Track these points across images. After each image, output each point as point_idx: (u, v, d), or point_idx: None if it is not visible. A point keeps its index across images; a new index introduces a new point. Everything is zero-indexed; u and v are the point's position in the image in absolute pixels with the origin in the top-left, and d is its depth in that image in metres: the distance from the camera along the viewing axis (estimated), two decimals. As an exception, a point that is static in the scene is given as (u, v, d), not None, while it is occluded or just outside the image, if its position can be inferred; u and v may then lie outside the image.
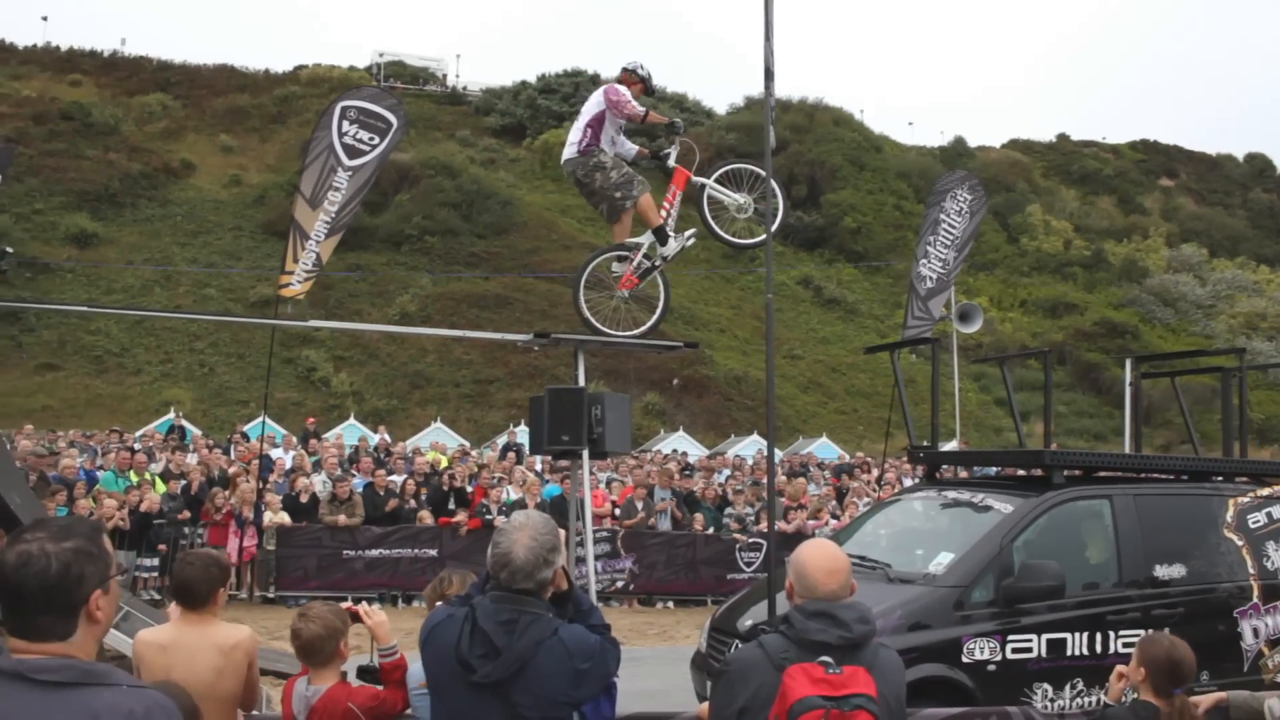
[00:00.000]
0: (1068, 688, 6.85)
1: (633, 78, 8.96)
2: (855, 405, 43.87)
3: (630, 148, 9.31)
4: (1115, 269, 59.01)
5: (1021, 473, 9.79)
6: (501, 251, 46.40)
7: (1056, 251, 59.51)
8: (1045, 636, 6.80)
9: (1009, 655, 6.67)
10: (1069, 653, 6.87)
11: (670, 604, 15.71)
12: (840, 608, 3.30)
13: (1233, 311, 54.86)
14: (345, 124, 12.48)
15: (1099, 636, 6.98)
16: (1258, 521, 7.95)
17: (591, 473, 9.35)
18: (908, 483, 20.16)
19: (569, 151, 8.91)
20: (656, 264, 9.12)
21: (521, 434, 24.98)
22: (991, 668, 6.57)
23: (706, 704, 3.69)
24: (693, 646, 11.44)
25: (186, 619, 4.32)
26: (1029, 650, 6.73)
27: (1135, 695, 4.38)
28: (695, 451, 29.46)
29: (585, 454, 8.38)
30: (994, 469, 16.90)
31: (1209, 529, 7.74)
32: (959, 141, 70.15)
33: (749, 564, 15.74)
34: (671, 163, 9.10)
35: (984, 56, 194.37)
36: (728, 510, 16.42)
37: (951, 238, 14.97)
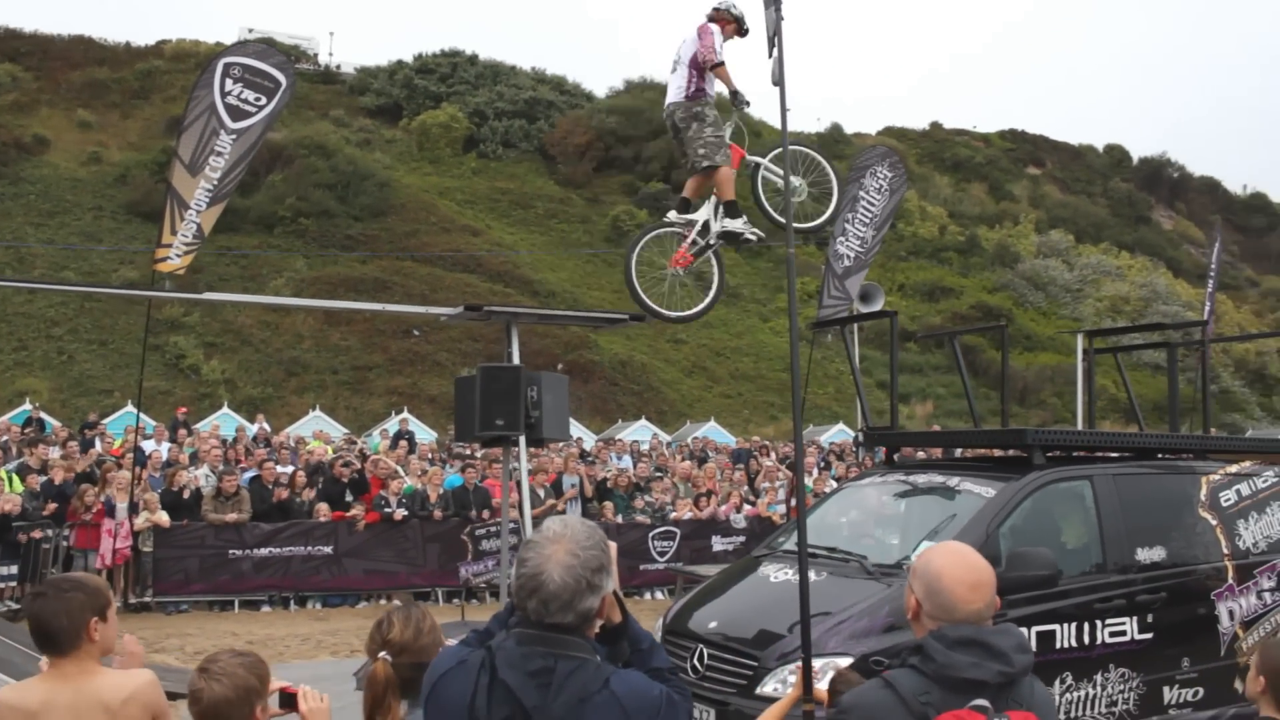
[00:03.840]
0: (1057, 683, 6.38)
1: (726, 16, 8.17)
2: (740, 389, 43.63)
3: None
4: (988, 254, 60.08)
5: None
6: (379, 234, 44.86)
7: (932, 237, 60.31)
8: (1034, 629, 6.30)
9: (1000, 652, 6.14)
10: (1058, 645, 6.39)
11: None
12: (993, 634, 2.58)
13: (1099, 295, 56.38)
14: (229, 83, 11.33)
15: (1085, 627, 6.52)
16: (1229, 499, 7.64)
17: (515, 463, 8.47)
18: (815, 467, 19.82)
19: (674, 95, 8.23)
20: (712, 243, 8.58)
21: (413, 421, 24.01)
22: (984, 666, 6.04)
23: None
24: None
25: (58, 670, 3.32)
26: (1019, 645, 6.21)
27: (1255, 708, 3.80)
28: (586, 437, 28.80)
29: (522, 440, 7.55)
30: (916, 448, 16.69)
31: (1185, 509, 7.39)
32: (836, 128, 70.53)
33: (662, 554, 15.13)
34: (728, 137, 8.47)
35: (857, 44, 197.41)
36: (645, 499, 15.76)
37: (870, 215, 14.53)
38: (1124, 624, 6.71)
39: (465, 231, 47.57)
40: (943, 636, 2.56)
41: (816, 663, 5.28)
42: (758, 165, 8.53)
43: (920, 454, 15.99)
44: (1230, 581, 7.30)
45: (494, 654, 2.47)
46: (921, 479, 7.43)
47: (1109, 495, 6.97)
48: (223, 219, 12.49)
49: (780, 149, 8.24)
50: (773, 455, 21.90)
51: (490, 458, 16.21)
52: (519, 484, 8.25)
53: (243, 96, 11.54)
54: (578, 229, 53.43)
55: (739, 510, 15.90)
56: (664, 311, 8.56)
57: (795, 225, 7.78)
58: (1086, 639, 6.52)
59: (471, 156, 55.88)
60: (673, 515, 15.54)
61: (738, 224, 8.48)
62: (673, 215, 8.67)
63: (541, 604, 2.43)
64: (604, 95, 64.20)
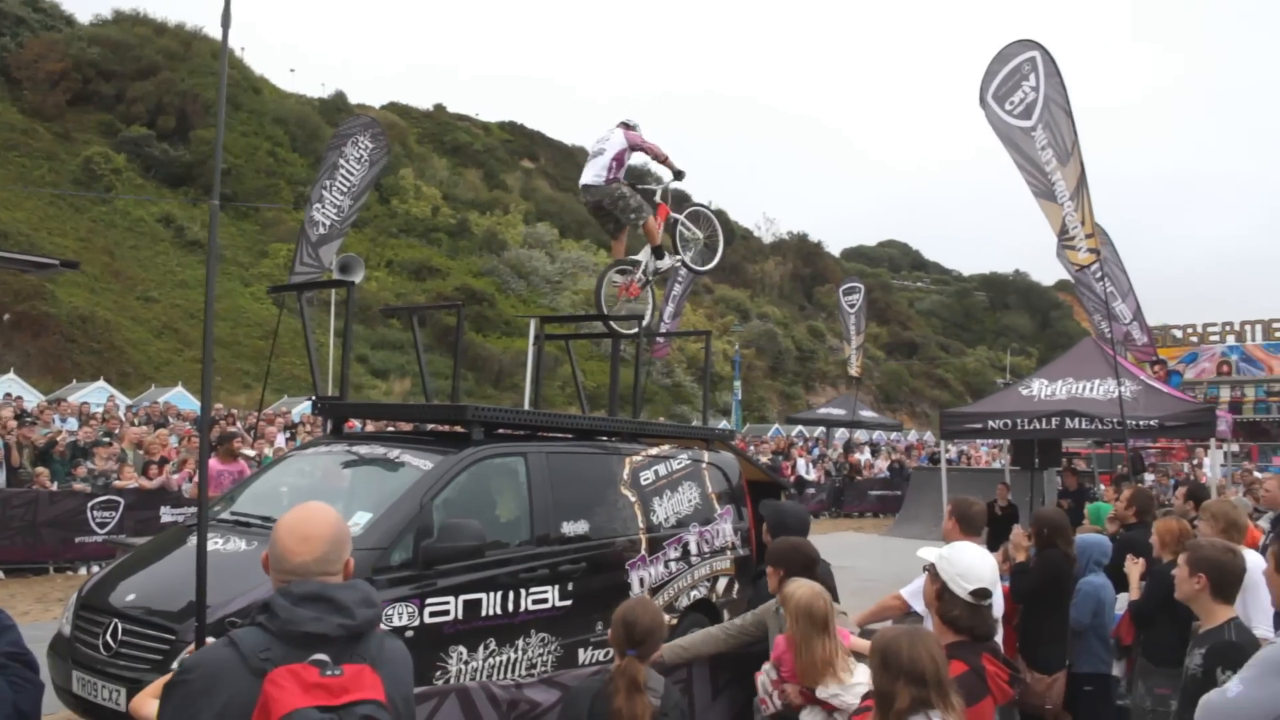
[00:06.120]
0: (481, 649, 6.67)
1: (631, 125, 10.41)
2: (214, 354, 41.51)
3: None
4: (477, 239, 61.70)
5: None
6: None
7: (425, 216, 60.92)
8: (462, 598, 6.55)
9: (427, 620, 6.33)
10: (483, 613, 6.68)
11: (1, 575, 13.51)
12: (338, 589, 2.62)
13: (576, 288, 59.88)
14: None
15: (511, 595, 6.89)
16: (648, 479, 8.42)
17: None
18: (280, 436, 19.35)
19: (594, 179, 10.20)
20: (650, 277, 10.78)
21: None
22: (410, 634, 6.17)
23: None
24: (45, 625, 9.83)
25: None
26: (446, 613, 6.44)
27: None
28: (30, 397, 26.02)
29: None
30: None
31: (609, 486, 8.04)
32: (340, 96, 69.14)
33: (102, 525, 14.02)
34: (658, 199, 10.77)
35: (366, 19, 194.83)
36: (87, 465, 14.49)
37: (349, 184, 14.36)
38: (547, 592, 7.17)
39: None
40: (288, 593, 2.58)
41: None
42: (676, 220, 11.00)
43: (390, 427, 16.08)
44: (643, 553, 8.06)
45: None
46: (365, 450, 7.48)
47: (540, 471, 7.43)
48: None
49: (689, 209, 11.37)
50: (239, 423, 21.06)
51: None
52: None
53: None
54: (42, 165, 48.01)
55: (192, 480, 15.12)
56: (624, 333, 10.49)
57: (695, 266, 11.52)
58: (511, 606, 6.89)
59: (-89, 67, 48.59)
60: (117, 483, 14.46)
61: (665, 262, 10.86)
62: (615, 277, 10.63)
63: None
64: (88, 22, 58.19)
